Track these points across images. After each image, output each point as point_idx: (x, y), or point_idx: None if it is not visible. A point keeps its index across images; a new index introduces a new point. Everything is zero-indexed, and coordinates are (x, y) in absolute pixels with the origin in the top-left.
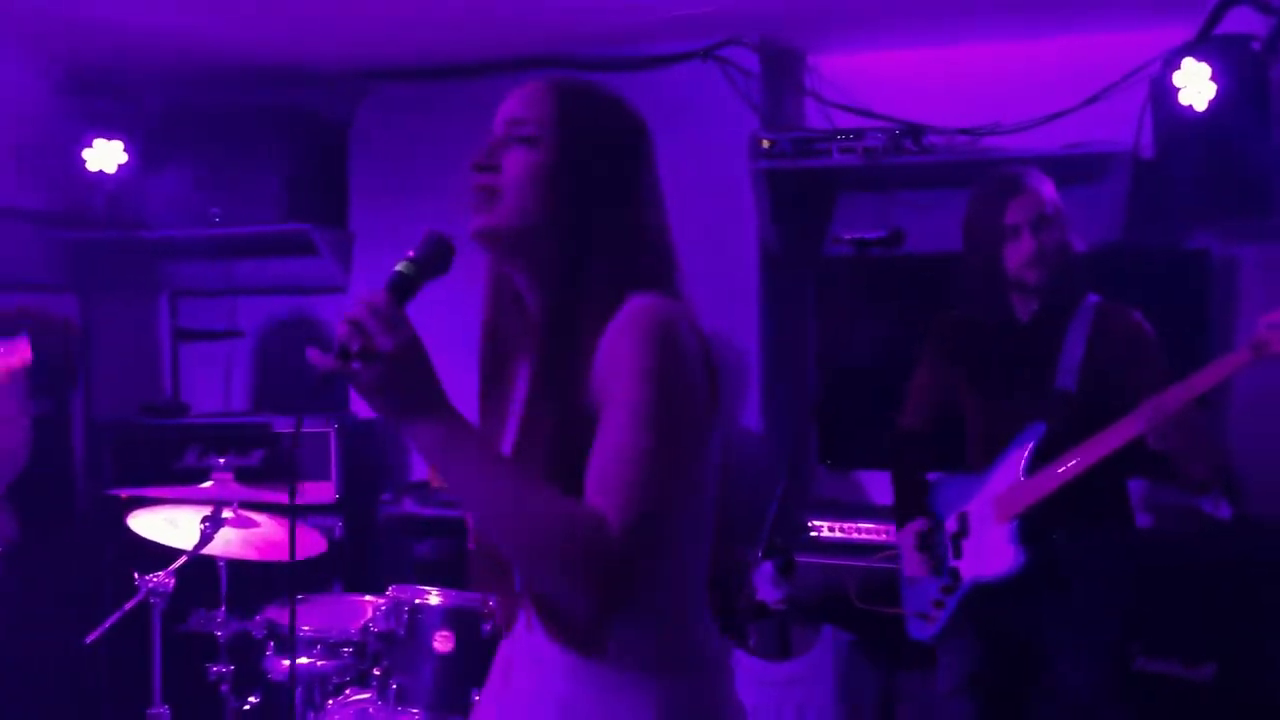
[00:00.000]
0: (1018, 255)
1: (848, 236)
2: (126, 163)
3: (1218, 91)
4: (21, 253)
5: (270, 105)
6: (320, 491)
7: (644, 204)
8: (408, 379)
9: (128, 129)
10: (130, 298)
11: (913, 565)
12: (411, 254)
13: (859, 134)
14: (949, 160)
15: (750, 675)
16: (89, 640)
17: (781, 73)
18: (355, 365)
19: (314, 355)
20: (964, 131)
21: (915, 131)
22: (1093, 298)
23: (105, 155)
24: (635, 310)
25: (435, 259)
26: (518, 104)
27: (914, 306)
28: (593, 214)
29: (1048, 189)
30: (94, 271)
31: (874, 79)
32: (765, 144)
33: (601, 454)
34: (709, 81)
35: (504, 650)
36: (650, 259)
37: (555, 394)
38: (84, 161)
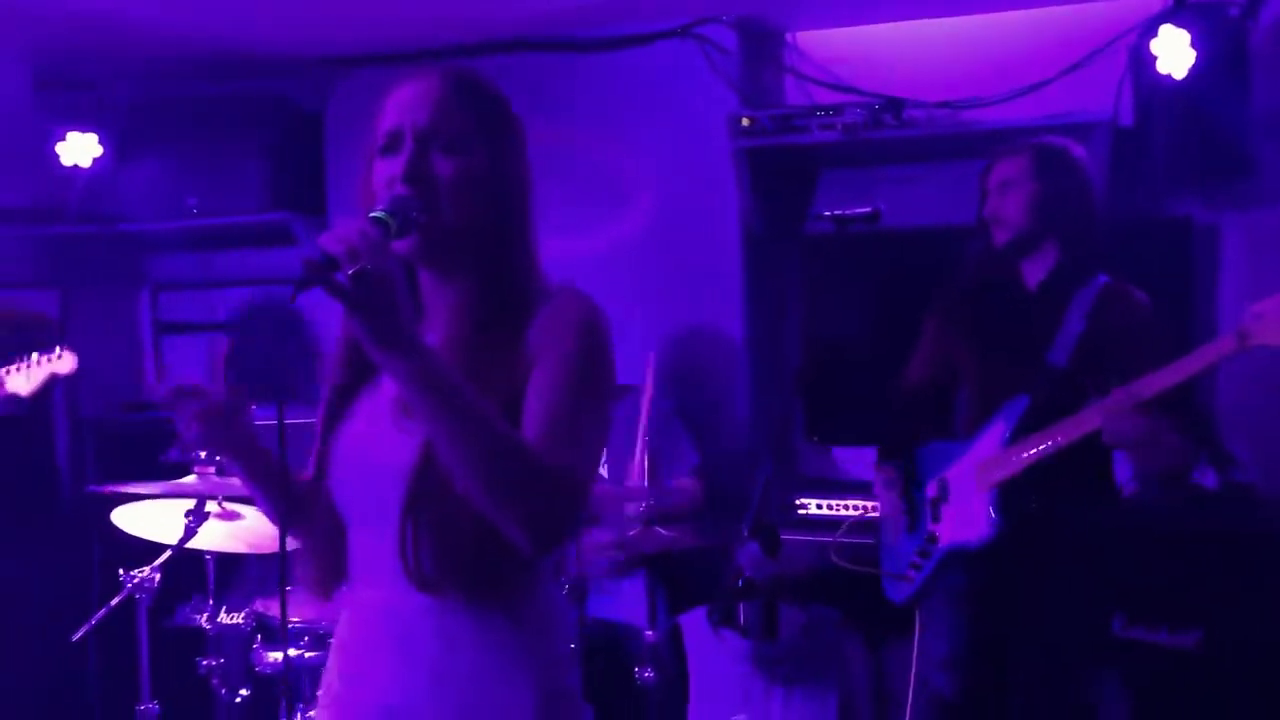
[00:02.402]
0: (986, 214)
1: (828, 213)
2: (101, 156)
3: (1196, 58)
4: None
5: (245, 94)
6: None
7: (532, 196)
8: (392, 305)
9: (101, 122)
10: (110, 292)
11: (888, 505)
12: (382, 206)
13: (838, 110)
14: (929, 134)
15: (739, 654)
16: (76, 638)
17: (760, 50)
18: (341, 278)
19: (310, 259)
20: (944, 105)
21: (895, 106)
22: (1103, 277)
23: (79, 149)
24: (572, 294)
25: (404, 219)
26: (428, 111)
27: (896, 281)
28: (513, 210)
29: (1033, 156)
30: (73, 267)
31: (852, 54)
32: (745, 122)
33: (545, 408)
34: (687, 60)
35: (348, 630)
36: (535, 247)
37: (486, 367)
38: (58, 156)
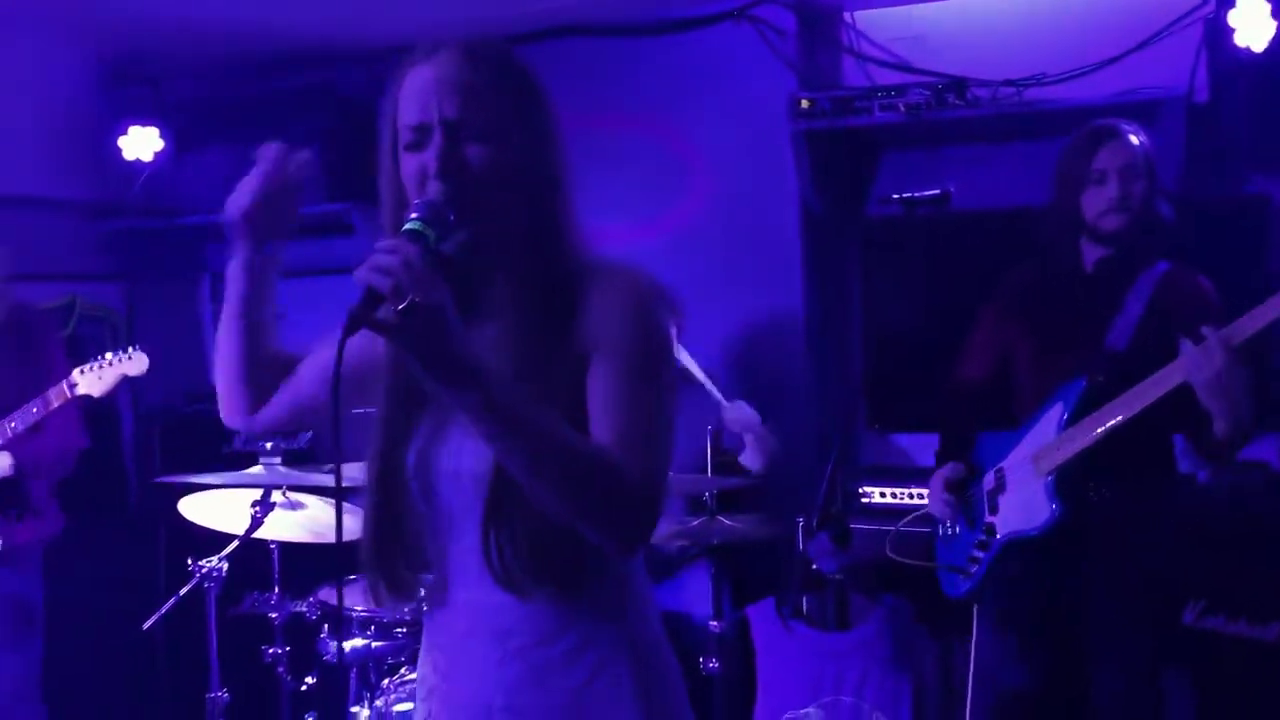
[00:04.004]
0: (1099, 201)
1: (896, 196)
2: (162, 149)
3: (1278, 29)
4: (66, 243)
5: (299, 86)
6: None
7: (570, 171)
8: (444, 335)
9: (162, 116)
10: (172, 283)
11: (938, 506)
12: (416, 215)
13: (900, 90)
14: (994, 114)
15: (808, 645)
16: (146, 627)
17: (818, 30)
18: (388, 315)
19: (354, 303)
20: (1009, 83)
21: (959, 85)
22: (1164, 264)
23: (141, 143)
24: (623, 273)
25: (441, 225)
26: (454, 98)
27: (960, 264)
28: (554, 190)
29: (1142, 142)
30: (136, 258)
31: (913, 33)
32: (804, 104)
33: (612, 408)
34: (744, 42)
35: (440, 630)
36: (578, 221)
37: (545, 358)
38: (120, 150)
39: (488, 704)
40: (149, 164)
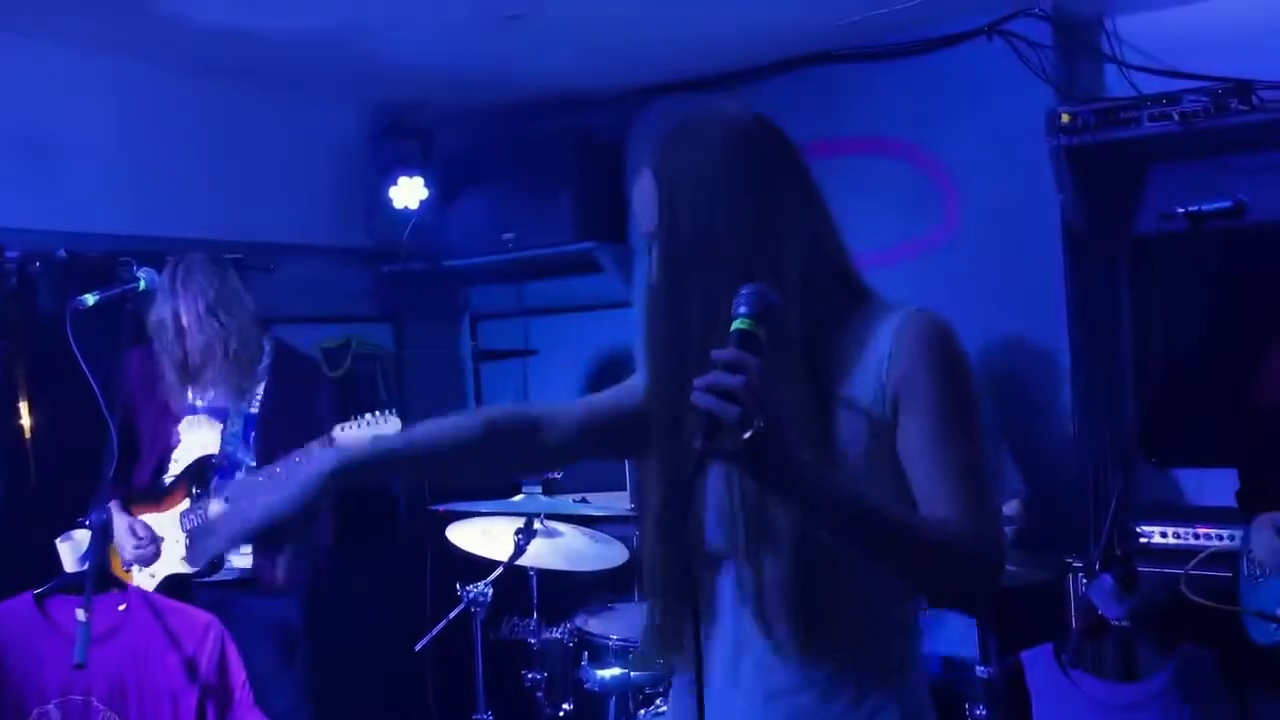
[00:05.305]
0: None
1: (1181, 210)
2: (427, 198)
3: None
4: (345, 287)
5: (553, 132)
6: (619, 501)
7: (801, 216)
8: (785, 455)
9: (427, 166)
10: (436, 323)
11: (1267, 551)
12: (744, 310)
13: (1172, 98)
14: None
15: (1092, 696)
16: (418, 648)
17: (1076, 40)
18: (735, 445)
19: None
20: None
21: (1243, 88)
22: None
23: (409, 192)
24: (920, 322)
25: (769, 315)
26: (656, 216)
27: (1255, 281)
28: (803, 252)
29: None
30: (404, 300)
31: (1185, 35)
32: (1065, 118)
33: (942, 476)
34: (996, 59)
35: (706, 659)
36: (831, 260)
37: (842, 413)
38: (391, 199)
39: None
40: (415, 211)
